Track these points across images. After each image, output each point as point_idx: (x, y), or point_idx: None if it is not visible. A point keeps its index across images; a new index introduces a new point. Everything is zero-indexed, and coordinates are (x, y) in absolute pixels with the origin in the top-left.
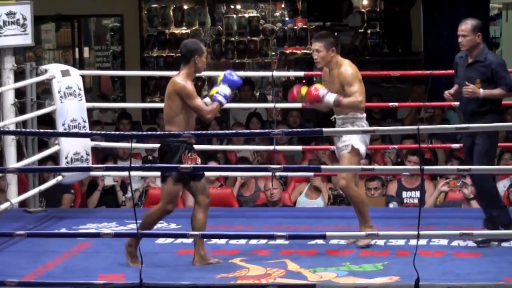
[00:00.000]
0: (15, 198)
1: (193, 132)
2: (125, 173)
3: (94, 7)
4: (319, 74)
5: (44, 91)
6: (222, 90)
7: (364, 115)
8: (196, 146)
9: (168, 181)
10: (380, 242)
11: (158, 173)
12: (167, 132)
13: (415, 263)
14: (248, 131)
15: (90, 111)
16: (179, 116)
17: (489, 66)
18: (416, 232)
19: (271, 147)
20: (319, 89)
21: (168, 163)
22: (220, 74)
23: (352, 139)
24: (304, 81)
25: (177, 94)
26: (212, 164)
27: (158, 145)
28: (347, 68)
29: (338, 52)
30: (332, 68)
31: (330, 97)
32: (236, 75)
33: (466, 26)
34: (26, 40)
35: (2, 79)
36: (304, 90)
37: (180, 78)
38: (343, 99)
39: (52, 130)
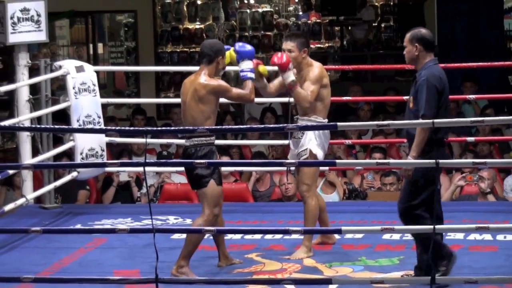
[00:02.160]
0: (30, 194)
1: (207, 127)
2: (140, 169)
3: (108, 3)
4: (333, 68)
5: (59, 87)
6: (246, 65)
7: (326, 120)
8: None
9: (211, 184)
10: (396, 236)
11: (173, 169)
12: (181, 128)
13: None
14: (263, 125)
15: (104, 107)
16: (209, 119)
17: (418, 82)
18: (432, 226)
19: (286, 142)
20: (292, 62)
21: (208, 167)
22: (231, 51)
23: (310, 144)
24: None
25: (213, 94)
26: (225, 159)
27: (173, 141)
28: (316, 69)
29: (309, 53)
30: (302, 69)
31: (292, 75)
32: (244, 44)
33: (406, 35)
34: (40, 36)
35: (16, 76)
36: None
37: (207, 79)
38: (298, 87)
39: (67, 126)
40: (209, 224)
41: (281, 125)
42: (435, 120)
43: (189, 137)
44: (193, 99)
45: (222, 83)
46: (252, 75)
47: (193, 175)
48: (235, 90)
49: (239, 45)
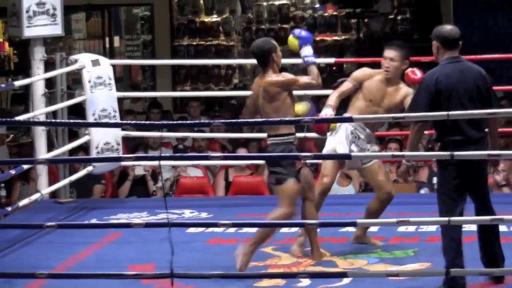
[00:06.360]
0: (45, 189)
1: (223, 121)
2: (156, 163)
3: None
4: (349, 61)
5: (75, 81)
6: (307, 51)
7: None
8: (228, 134)
9: (289, 182)
10: (411, 228)
11: (189, 162)
12: (196, 121)
13: None
14: (279, 119)
15: (120, 100)
16: (288, 115)
17: None
18: (447, 218)
19: (301, 134)
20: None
21: (289, 165)
22: (291, 39)
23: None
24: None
25: (282, 88)
26: (242, 152)
27: (189, 134)
28: (408, 89)
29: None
30: (395, 82)
31: None
32: (301, 30)
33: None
34: (56, 30)
35: (32, 70)
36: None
37: (274, 76)
38: None
39: (82, 120)
40: (283, 219)
41: (297, 118)
42: (450, 112)
43: (268, 136)
44: (265, 100)
45: (288, 75)
46: (314, 59)
47: (272, 172)
48: (302, 80)
49: (297, 31)
